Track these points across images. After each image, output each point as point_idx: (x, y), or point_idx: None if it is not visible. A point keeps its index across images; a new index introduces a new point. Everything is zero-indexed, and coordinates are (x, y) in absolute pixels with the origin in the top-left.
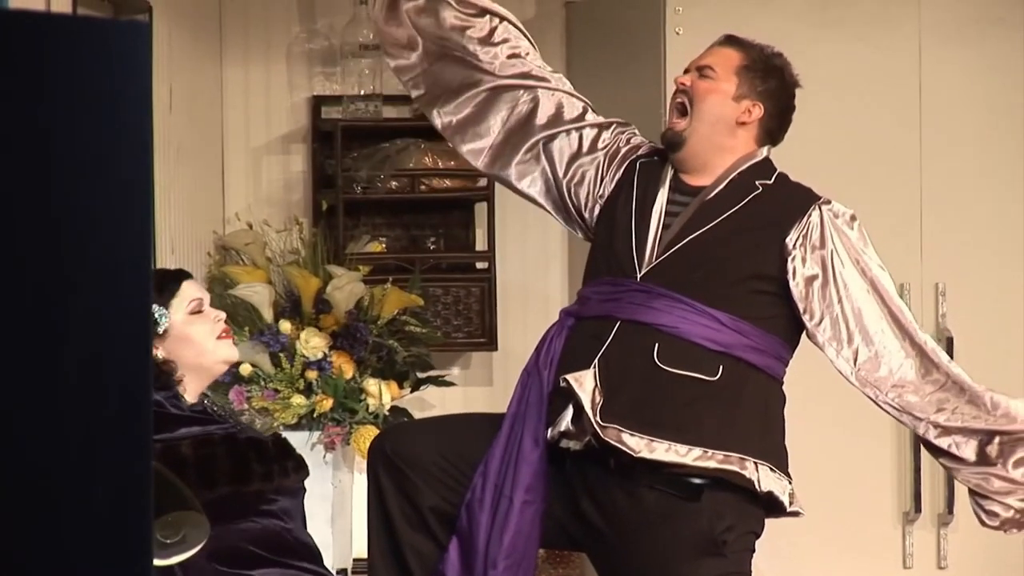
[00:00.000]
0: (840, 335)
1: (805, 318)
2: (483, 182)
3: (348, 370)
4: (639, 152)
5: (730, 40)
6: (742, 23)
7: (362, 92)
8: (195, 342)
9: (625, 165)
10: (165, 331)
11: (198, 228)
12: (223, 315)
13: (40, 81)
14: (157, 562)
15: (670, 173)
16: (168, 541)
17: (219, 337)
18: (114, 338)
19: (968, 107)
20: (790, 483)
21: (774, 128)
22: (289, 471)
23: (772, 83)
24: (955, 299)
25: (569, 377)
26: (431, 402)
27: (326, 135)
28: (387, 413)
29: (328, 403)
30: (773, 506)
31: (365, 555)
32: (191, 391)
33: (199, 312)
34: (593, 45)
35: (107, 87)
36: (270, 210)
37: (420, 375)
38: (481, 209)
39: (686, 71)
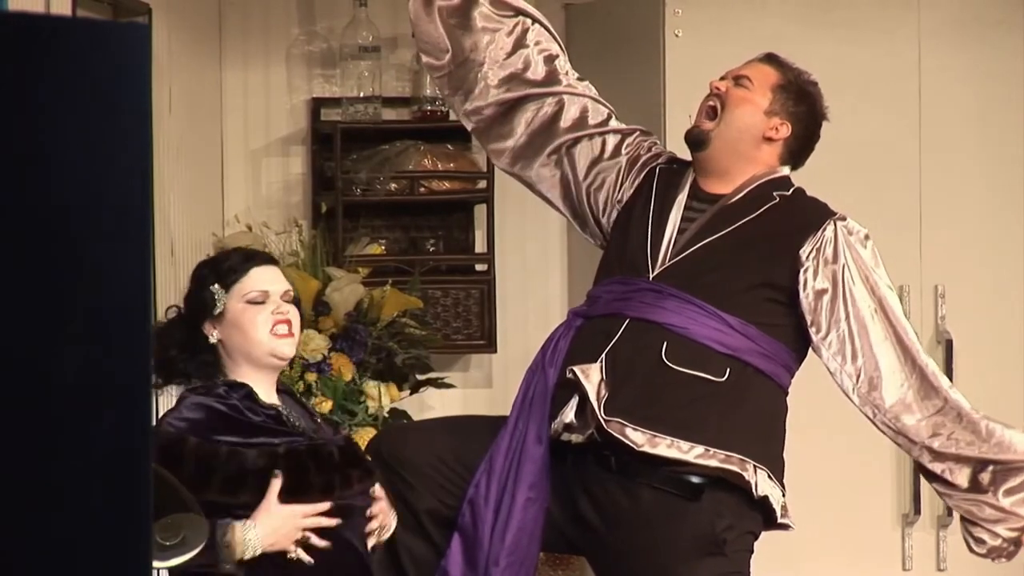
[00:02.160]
0: (845, 351)
1: (812, 331)
2: (483, 184)
3: (347, 372)
4: (659, 160)
5: (770, 58)
6: (741, 25)
7: (361, 94)
8: (246, 331)
9: (645, 171)
10: (220, 313)
11: (197, 230)
12: (288, 310)
13: (40, 83)
14: (156, 564)
15: (690, 180)
16: (167, 544)
17: (274, 331)
18: (114, 340)
19: (967, 109)
20: (783, 495)
21: (797, 150)
22: (353, 481)
23: (803, 107)
24: (954, 301)
25: (576, 368)
26: (430, 404)
27: (325, 137)
28: (386, 415)
29: (327, 405)
30: (765, 515)
31: None
32: (261, 389)
33: (259, 303)
34: (593, 47)
35: (107, 89)
36: (269, 212)
37: (419, 377)
38: (480, 211)
39: (722, 78)
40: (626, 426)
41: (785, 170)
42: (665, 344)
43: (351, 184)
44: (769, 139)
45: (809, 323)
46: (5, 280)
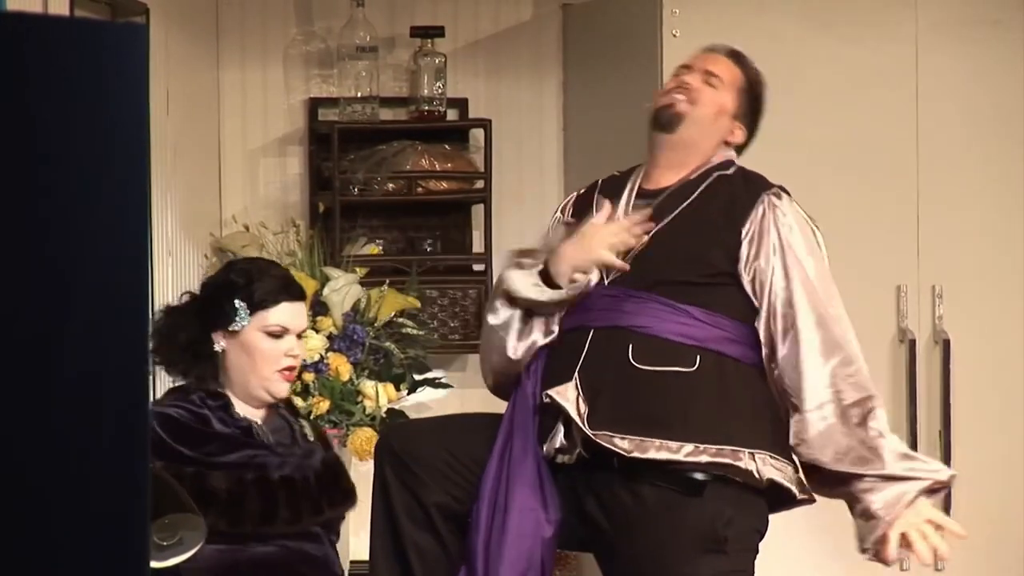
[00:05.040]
0: (768, 335)
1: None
2: (480, 184)
3: (345, 372)
4: (583, 190)
5: (735, 56)
6: (739, 25)
7: (359, 94)
8: (253, 358)
9: (572, 207)
10: (234, 331)
11: (195, 231)
12: (299, 356)
13: (37, 83)
14: (154, 564)
15: (634, 182)
16: (165, 544)
17: (280, 371)
18: (112, 340)
19: (965, 109)
20: (796, 471)
21: (744, 145)
22: (323, 508)
23: (756, 113)
24: (952, 301)
25: (551, 392)
26: (428, 404)
27: (323, 137)
28: (384, 415)
29: (325, 405)
30: (781, 497)
31: (362, 557)
32: (243, 407)
33: (277, 337)
34: (590, 47)
35: (104, 89)
36: (267, 212)
37: (417, 377)
38: (478, 211)
39: (687, 66)
40: (613, 436)
41: (725, 153)
42: (631, 346)
43: (348, 184)
44: (727, 142)
45: (756, 304)
46: (4, 280)
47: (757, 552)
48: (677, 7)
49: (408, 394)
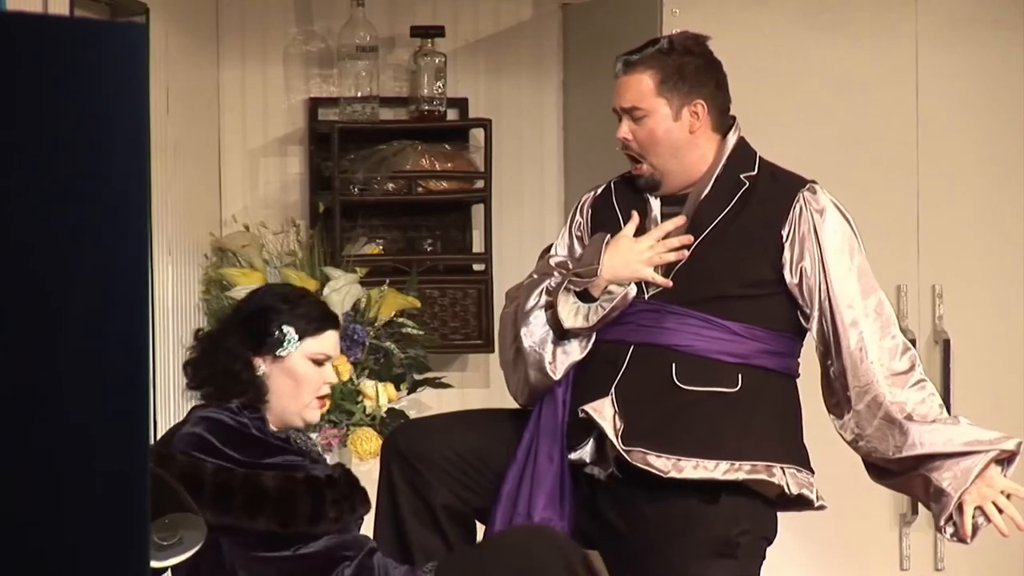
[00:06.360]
0: (824, 339)
1: (802, 319)
2: (480, 184)
3: (345, 372)
4: (599, 191)
5: (630, 65)
6: (738, 25)
7: (359, 94)
8: (299, 387)
9: (589, 209)
10: (280, 357)
11: (195, 230)
12: (334, 382)
13: (37, 83)
14: (154, 564)
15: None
16: (165, 543)
17: (318, 397)
18: (111, 340)
19: (965, 109)
20: (813, 476)
21: (722, 104)
22: (356, 506)
23: (691, 74)
24: (952, 301)
25: (587, 408)
26: (428, 404)
27: (323, 137)
28: (384, 415)
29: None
30: (801, 503)
31: None
32: (272, 422)
33: (319, 365)
34: (590, 47)
35: (104, 89)
36: (267, 212)
37: (417, 377)
38: (478, 211)
39: (616, 114)
40: (648, 454)
41: (732, 137)
42: (674, 366)
43: (349, 184)
44: (695, 129)
45: (800, 308)
46: (3, 280)
47: (764, 558)
48: (677, 7)
49: (408, 394)
